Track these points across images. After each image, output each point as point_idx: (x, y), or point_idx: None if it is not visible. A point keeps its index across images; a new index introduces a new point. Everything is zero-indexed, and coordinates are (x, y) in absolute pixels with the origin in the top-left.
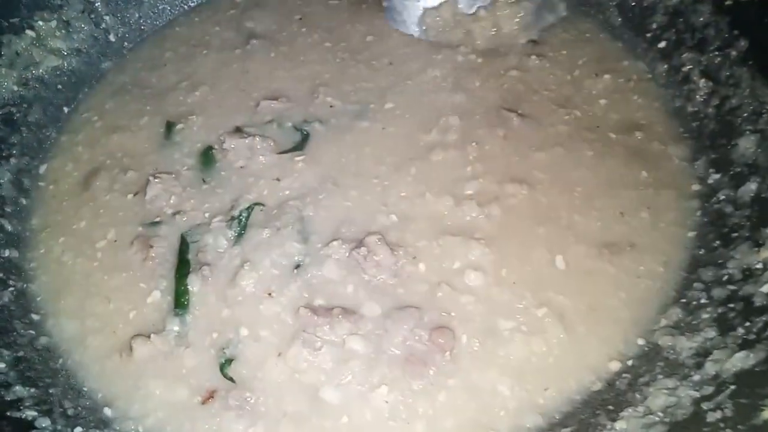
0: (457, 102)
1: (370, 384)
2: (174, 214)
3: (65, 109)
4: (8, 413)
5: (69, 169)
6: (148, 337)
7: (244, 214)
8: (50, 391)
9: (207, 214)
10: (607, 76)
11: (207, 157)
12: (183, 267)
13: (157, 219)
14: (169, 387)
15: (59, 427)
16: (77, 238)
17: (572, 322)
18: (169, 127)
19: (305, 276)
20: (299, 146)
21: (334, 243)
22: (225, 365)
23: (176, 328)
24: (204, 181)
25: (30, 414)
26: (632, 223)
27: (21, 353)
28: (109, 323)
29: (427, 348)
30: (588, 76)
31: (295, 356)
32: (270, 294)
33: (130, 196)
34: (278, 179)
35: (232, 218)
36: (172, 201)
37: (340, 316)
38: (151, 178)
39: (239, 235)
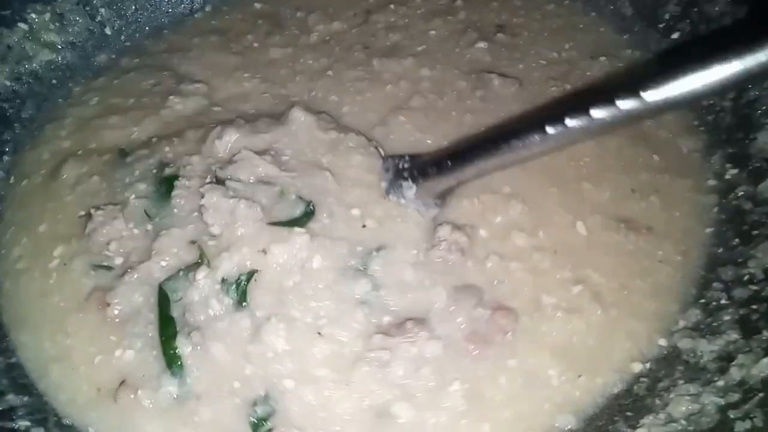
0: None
1: (442, 383)
2: (126, 265)
3: (60, 103)
4: (0, 424)
5: (45, 158)
6: (135, 391)
7: (243, 280)
8: (44, 399)
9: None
10: (603, 58)
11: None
12: (167, 327)
13: (105, 264)
14: None
15: None
16: (36, 244)
17: (607, 303)
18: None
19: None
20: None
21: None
22: (259, 426)
23: (173, 389)
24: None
25: (23, 424)
26: (644, 204)
27: (13, 359)
28: (67, 357)
29: (488, 328)
30: (582, 58)
31: (363, 380)
32: (320, 333)
33: (81, 212)
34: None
35: (224, 281)
36: (120, 249)
37: (413, 326)
38: (93, 211)
39: (240, 302)
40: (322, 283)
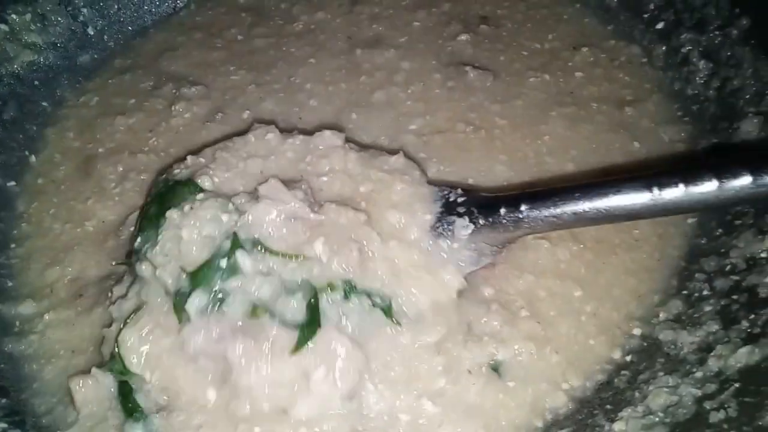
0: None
1: None
2: None
3: (44, 104)
4: None
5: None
6: None
7: None
8: (22, 398)
9: None
10: (585, 49)
11: None
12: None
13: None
14: None
15: None
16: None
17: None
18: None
19: None
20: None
21: None
22: None
23: None
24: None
25: (0, 426)
26: None
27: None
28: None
29: None
30: (564, 49)
31: None
32: None
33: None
34: None
35: None
36: None
37: None
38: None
39: None
40: None
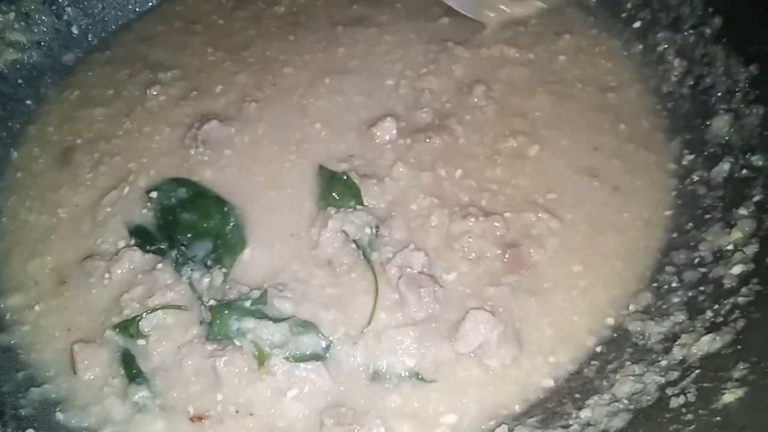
0: None
1: None
2: None
3: (27, 102)
4: None
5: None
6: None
7: None
8: (3, 389)
9: None
10: (567, 36)
11: None
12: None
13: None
14: None
15: (9, 430)
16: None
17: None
18: None
19: None
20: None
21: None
22: None
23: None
24: None
25: None
26: (608, 164)
27: None
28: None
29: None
30: (548, 32)
31: None
32: None
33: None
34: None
35: None
36: None
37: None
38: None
39: None
40: None
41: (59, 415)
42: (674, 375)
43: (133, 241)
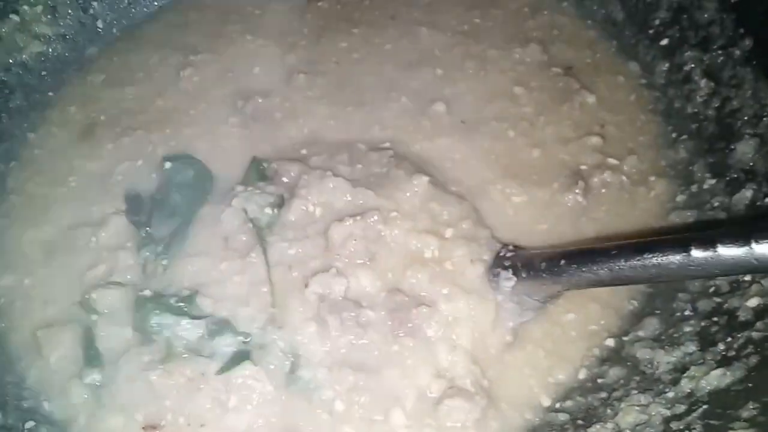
0: None
1: None
2: None
3: (49, 94)
4: None
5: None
6: None
7: None
8: (6, 379)
9: None
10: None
11: None
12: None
13: None
14: None
15: (10, 421)
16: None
17: None
18: None
19: None
20: None
21: None
22: None
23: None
24: None
25: None
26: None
27: None
28: None
29: None
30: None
31: None
32: None
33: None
34: None
35: None
36: None
37: None
38: None
39: None
40: None
41: (45, 405)
42: (681, 408)
43: (124, 207)
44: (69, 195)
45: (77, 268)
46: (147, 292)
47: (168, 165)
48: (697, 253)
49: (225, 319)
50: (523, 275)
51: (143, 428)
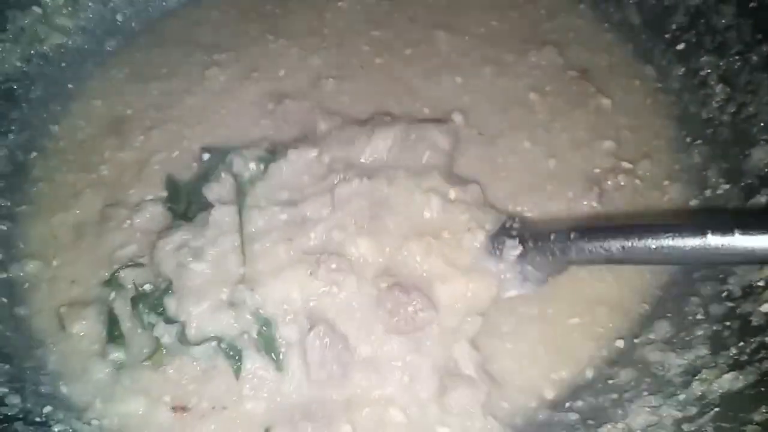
0: None
1: None
2: None
3: (69, 86)
4: None
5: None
6: None
7: None
8: (25, 366)
9: None
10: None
11: None
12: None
13: None
14: None
15: (29, 405)
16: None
17: None
18: None
19: None
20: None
21: None
22: None
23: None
24: None
25: (1, 390)
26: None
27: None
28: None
29: None
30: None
31: None
32: None
33: None
34: None
35: None
36: None
37: None
38: None
39: None
40: None
41: (63, 389)
42: (692, 410)
43: (164, 194)
44: (100, 181)
45: (108, 247)
46: (147, 287)
47: (206, 156)
48: (713, 239)
49: None
50: (530, 245)
51: (173, 408)
